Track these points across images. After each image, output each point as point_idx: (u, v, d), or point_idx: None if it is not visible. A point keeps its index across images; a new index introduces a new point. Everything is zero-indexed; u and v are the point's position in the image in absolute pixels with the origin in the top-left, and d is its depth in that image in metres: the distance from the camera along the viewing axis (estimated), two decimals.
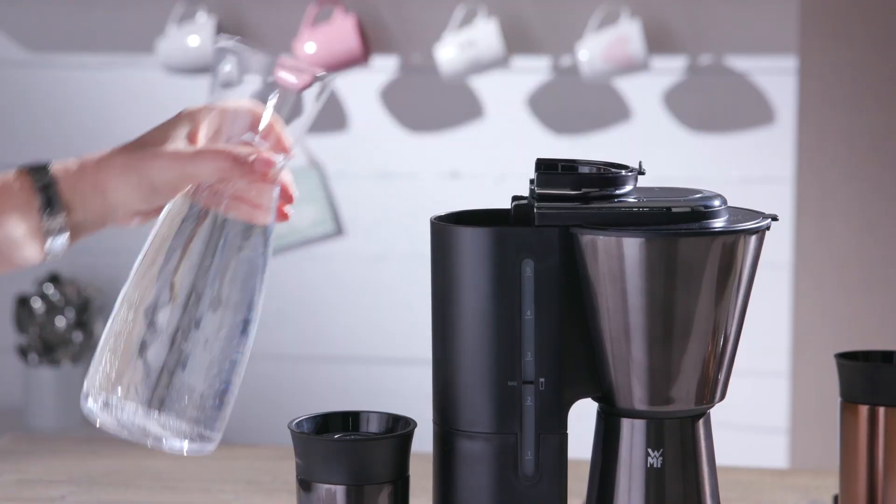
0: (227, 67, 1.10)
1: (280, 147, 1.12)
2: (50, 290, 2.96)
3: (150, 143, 1.09)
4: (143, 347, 1.09)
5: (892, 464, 1.32)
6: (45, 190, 1.07)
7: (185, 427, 1.09)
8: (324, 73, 1.11)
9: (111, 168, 1.08)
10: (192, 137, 1.10)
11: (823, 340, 2.81)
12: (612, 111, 2.90)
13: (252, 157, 1.08)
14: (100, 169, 1.09)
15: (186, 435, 1.10)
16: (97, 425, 1.10)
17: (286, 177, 1.14)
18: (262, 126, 1.11)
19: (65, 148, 2.90)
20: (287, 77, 1.11)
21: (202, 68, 2.83)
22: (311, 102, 1.11)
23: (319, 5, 2.87)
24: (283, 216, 1.15)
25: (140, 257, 1.11)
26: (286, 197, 1.14)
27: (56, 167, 1.08)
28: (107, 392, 1.09)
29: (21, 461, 1.67)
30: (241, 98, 1.11)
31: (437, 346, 1.17)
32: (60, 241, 1.08)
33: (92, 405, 1.09)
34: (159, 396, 1.08)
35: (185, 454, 1.11)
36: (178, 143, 1.09)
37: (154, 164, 1.08)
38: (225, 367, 1.10)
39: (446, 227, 1.16)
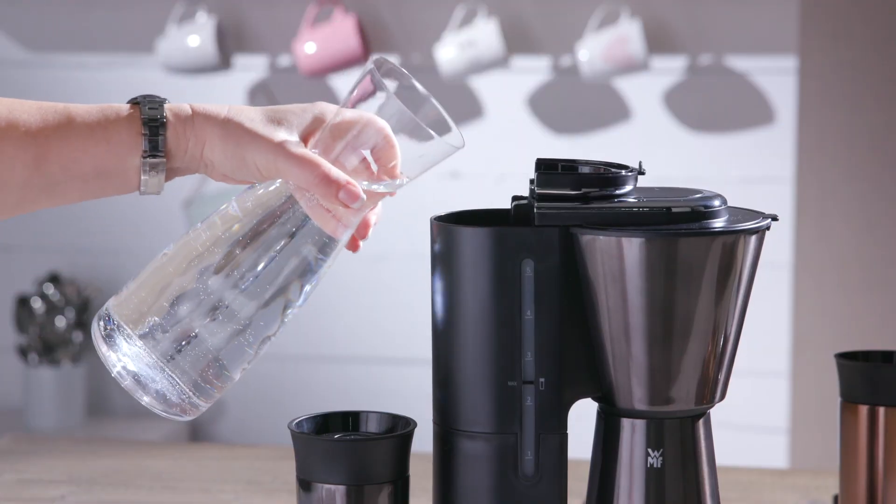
0: (390, 87, 1.10)
1: (389, 174, 1.11)
2: (50, 290, 2.96)
3: (275, 118, 1.10)
4: (181, 299, 1.08)
5: (892, 464, 1.32)
6: (152, 136, 1.08)
7: (180, 390, 1.09)
8: (459, 143, 1.11)
9: (217, 128, 1.09)
10: (305, 138, 1.10)
11: (823, 340, 2.81)
12: (612, 111, 2.90)
13: (342, 183, 1.08)
14: (207, 123, 1.09)
15: (175, 398, 1.09)
16: (94, 342, 1.10)
17: (375, 209, 1.14)
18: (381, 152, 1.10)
19: None
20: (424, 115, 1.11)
21: (202, 68, 2.83)
22: (435, 148, 1.11)
23: (319, 5, 2.87)
24: (354, 243, 1.15)
25: (222, 213, 1.10)
26: (361, 230, 1.14)
27: (168, 112, 1.09)
28: (127, 322, 1.08)
29: (21, 461, 1.67)
30: (374, 115, 1.10)
31: (437, 346, 1.17)
32: (156, 181, 1.09)
33: (101, 326, 1.09)
34: (173, 351, 1.08)
35: (158, 413, 1.10)
36: (291, 134, 1.09)
37: (254, 146, 1.08)
38: (244, 354, 1.10)
39: (446, 227, 1.16)
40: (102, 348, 1.09)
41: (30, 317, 2.95)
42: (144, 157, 1.09)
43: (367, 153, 1.10)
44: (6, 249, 3.08)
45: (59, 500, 1.55)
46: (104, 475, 1.62)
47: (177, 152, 1.09)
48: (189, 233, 1.11)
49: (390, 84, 1.10)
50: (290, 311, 1.11)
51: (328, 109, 1.12)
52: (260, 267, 1.09)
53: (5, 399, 3.12)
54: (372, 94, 1.11)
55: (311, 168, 1.08)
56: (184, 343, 1.08)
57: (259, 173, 1.09)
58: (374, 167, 1.11)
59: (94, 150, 1.08)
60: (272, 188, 1.10)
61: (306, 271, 1.11)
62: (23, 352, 2.95)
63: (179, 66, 2.84)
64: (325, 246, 1.11)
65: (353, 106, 1.11)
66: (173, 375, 1.08)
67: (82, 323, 2.97)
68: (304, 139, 1.11)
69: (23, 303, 2.96)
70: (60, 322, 2.94)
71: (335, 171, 1.08)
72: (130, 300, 1.09)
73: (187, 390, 1.09)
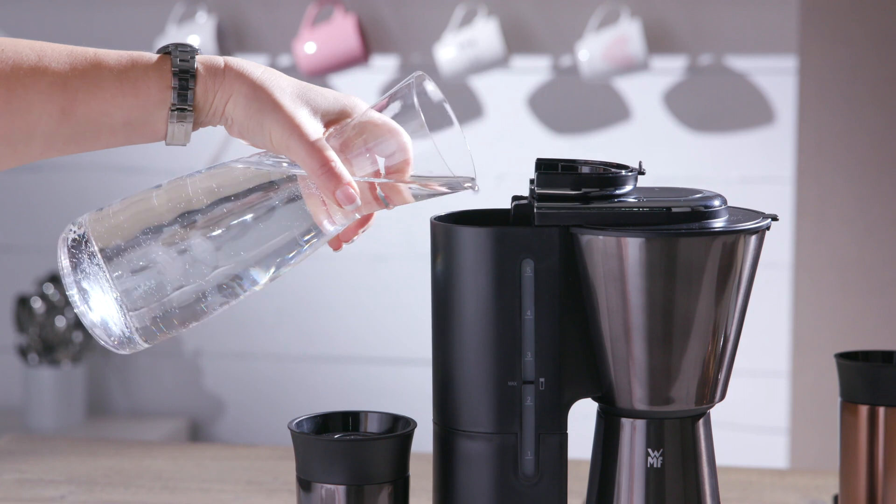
0: (425, 108, 1.09)
1: (393, 189, 1.11)
2: (50, 290, 2.96)
3: (305, 96, 1.09)
4: (154, 234, 1.08)
5: (892, 464, 1.32)
6: (182, 90, 1.08)
7: (124, 322, 1.08)
8: (471, 182, 1.11)
9: (245, 87, 1.08)
10: (327, 125, 1.10)
11: (823, 340, 2.81)
12: (612, 111, 2.90)
13: (343, 182, 1.08)
14: (237, 81, 1.08)
15: (116, 329, 1.08)
16: (58, 248, 1.09)
17: (370, 219, 1.14)
18: (394, 161, 1.10)
19: None
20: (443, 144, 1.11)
21: None
22: (447, 182, 1.10)
23: (319, 5, 2.87)
24: (338, 243, 1.15)
25: (226, 166, 1.10)
26: (347, 233, 1.14)
27: (200, 64, 1.08)
28: (96, 238, 1.07)
29: (21, 461, 1.67)
30: (401, 129, 1.10)
31: (437, 346, 1.17)
32: (183, 132, 1.09)
33: (71, 234, 1.08)
34: (135, 282, 1.07)
35: (95, 337, 1.09)
36: (315, 116, 1.09)
37: (274, 116, 1.08)
38: (196, 309, 1.09)
39: (446, 227, 1.16)
40: (63, 256, 1.08)
41: (30, 317, 2.95)
42: (172, 110, 1.08)
43: (381, 161, 1.10)
44: (6, 249, 3.08)
45: (59, 500, 1.55)
46: (104, 475, 1.62)
47: (203, 105, 1.09)
48: (188, 175, 1.10)
49: (426, 105, 1.10)
50: (251, 284, 1.11)
51: (359, 105, 1.12)
52: (238, 228, 1.09)
53: (5, 399, 3.12)
54: (405, 108, 1.10)
55: (319, 158, 1.07)
56: (142, 277, 1.07)
57: (271, 144, 1.09)
58: (382, 176, 1.11)
59: (123, 102, 1.07)
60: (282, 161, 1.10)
61: (281, 251, 1.11)
62: (23, 352, 2.95)
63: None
64: (309, 235, 1.11)
65: (382, 111, 1.10)
66: (122, 305, 1.07)
67: (82, 323, 2.97)
68: (326, 126, 1.10)
69: (23, 303, 2.96)
70: (60, 322, 2.95)
71: (340, 168, 1.08)
72: (107, 219, 1.08)
73: (131, 324, 1.08)
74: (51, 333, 2.94)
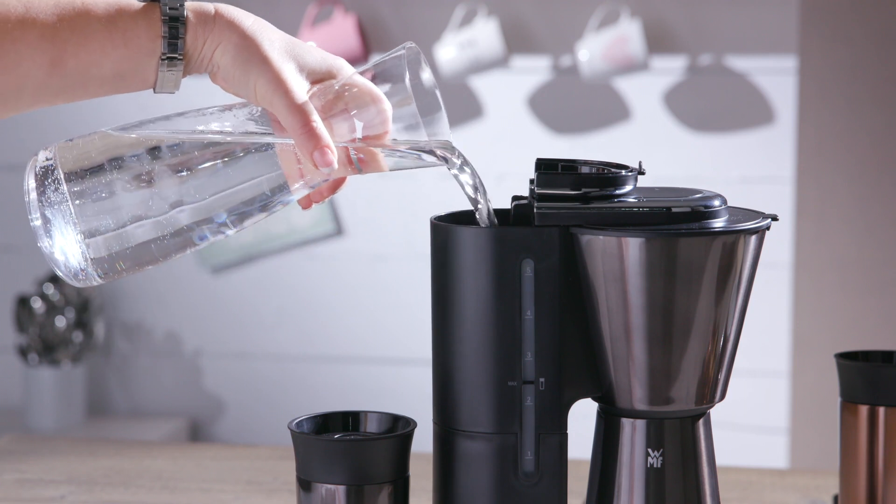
0: (411, 78, 1.09)
1: (369, 155, 1.11)
2: (50, 290, 2.96)
3: (293, 52, 1.08)
4: (121, 166, 1.07)
5: (892, 464, 1.32)
6: (172, 39, 1.07)
7: (86, 252, 1.07)
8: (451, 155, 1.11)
9: (235, 36, 1.07)
10: (312, 83, 1.10)
11: (823, 340, 2.81)
12: (612, 111, 2.90)
13: (322, 143, 1.07)
14: (228, 29, 1.07)
15: (78, 261, 1.07)
16: (26, 173, 1.08)
17: (338, 182, 1.14)
18: (371, 126, 1.10)
19: None
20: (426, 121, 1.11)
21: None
22: (421, 157, 1.11)
23: (319, 5, 2.87)
24: (307, 202, 1.14)
25: (209, 112, 1.10)
26: (319, 195, 1.14)
27: (190, 11, 1.07)
28: (62, 165, 1.07)
29: (21, 461, 1.67)
30: (383, 95, 1.10)
31: (437, 346, 1.17)
32: (174, 79, 1.08)
33: (39, 160, 1.07)
34: (96, 210, 1.07)
35: (54, 269, 1.09)
36: (301, 73, 1.09)
37: (260, 69, 1.07)
38: (161, 246, 1.09)
39: (446, 227, 1.16)
40: (31, 181, 1.08)
41: (30, 317, 2.95)
42: (163, 59, 1.07)
43: (359, 126, 1.10)
44: (6, 249, 3.08)
45: (59, 500, 1.55)
46: (104, 475, 1.62)
47: (193, 53, 1.08)
48: (164, 116, 1.10)
49: (412, 76, 1.10)
50: (212, 232, 1.10)
51: (345, 68, 1.12)
52: (206, 172, 1.08)
53: (5, 399, 3.12)
54: (393, 76, 1.10)
55: (301, 117, 1.07)
56: (103, 205, 1.07)
57: (255, 96, 1.08)
58: (358, 142, 1.11)
59: (113, 52, 1.06)
60: (261, 114, 1.10)
61: (248, 202, 1.10)
62: (23, 352, 2.95)
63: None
64: (278, 190, 1.11)
65: (369, 77, 1.11)
66: (81, 233, 1.07)
67: (82, 323, 2.97)
68: (311, 84, 1.10)
69: (23, 303, 2.96)
70: (60, 322, 2.95)
71: (320, 129, 1.07)
72: (76, 148, 1.08)
73: (88, 255, 1.07)
74: (51, 333, 2.94)
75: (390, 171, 1.13)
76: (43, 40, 1.05)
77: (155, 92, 1.09)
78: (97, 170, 1.07)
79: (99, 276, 1.09)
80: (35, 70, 1.05)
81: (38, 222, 1.08)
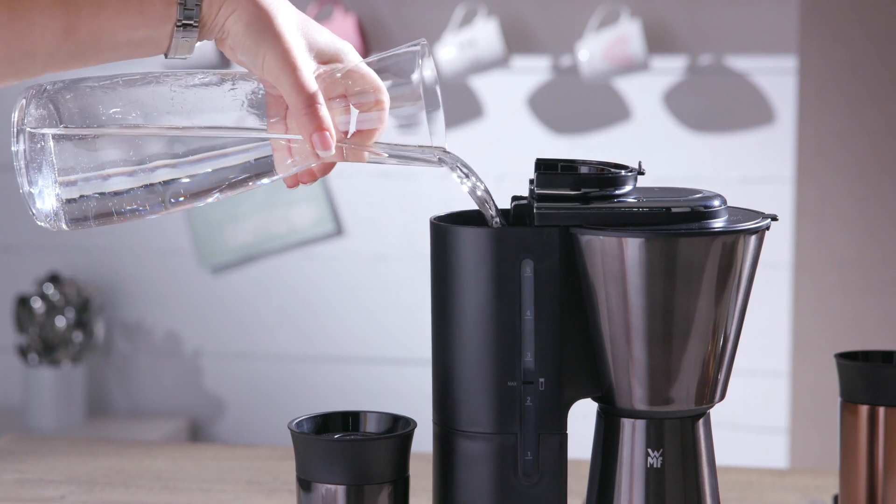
0: (416, 75, 1.09)
1: (361, 140, 1.11)
2: (50, 290, 2.96)
3: (305, 31, 1.09)
4: (109, 113, 1.07)
5: (892, 464, 1.32)
6: (188, 7, 1.06)
7: (60, 193, 1.06)
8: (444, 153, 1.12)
9: (251, 6, 1.07)
10: (320, 64, 1.10)
11: (823, 340, 2.81)
12: (612, 111, 2.91)
13: (323, 127, 1.07)
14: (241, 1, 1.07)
15: (52, 203, 1.07)
16: (17, 107, 1.07)
17: (329, 166, 1.13)
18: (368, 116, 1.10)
19: None
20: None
21: (202, 67, 2.83)
22: (412, 152, 1.11)
23: (319, 5, 2.87)
24: (293, 181, 1.14)
25: (216, 79, 1.10)
26: (307, 176, 1.14)
27: None
28: (53, 118, 1.06)
29: (21, 461, 1.67)
30: (384, 87, 1.10)
31: (437, 346, 1.17)
32: (188, 45, 1.08)
33: (34, 98, 1.07)
34: (75, 151, 1.06)
35: (27, 208, 1.08)
36: (309, 53, 1.09)
37: (271, 43, 1.07)
38: (135, 200, 1.08)
39: (446, 227, 1.16)
40: (19, 110, 1.07)
41: (30, 317, 2.95)
42: (178, 26, 1.07)
43: (355, 115, 1.10)
44: (6, 249, 3.08)
45: (59, 500, 1.55)
46: (104, 475, 1.62)
47: (207, 20, 1.08)
48: (164, 73, 1.09)
49: (419, 72, 1.10)
50: (191, 197, 1.09)
51: (352, 53, 1.12)
52: (193, 132, 1.08)
53: (5, 399, 3.12)
54: (401, 71, 1.11)
55: (305, 97, 1.07)
56: (83, 147, 1.06)
57: (262, 69, 1.08)
58: (351, 129, 1.11)
59: (127, 19, 1.06)
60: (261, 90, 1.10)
61: (231, 169, 1.10)
62: (23, 352, 2.95)
63: (179, 65, 2.84)
64: (263, 164, 1.10)
65: (375, 68, 1.11)
66: (57, 172, 1.06)
67: (82, 323, 2.97)
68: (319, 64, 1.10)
69: (23, 303, 2.96)
70: (60, 322, 2.95)
71: (323, 112, 1.08)
72: (72, 89, 1.07)
73: (62, 195, 1.07)
74: (51, 333, 2.94)
75: (385, 163, 1.13)
76: (56, 7, 1.05)
77: (167, 57, 1.09)
78: (85, 111, 1.07)
79: (68, 221, 1.08)
80: (48, 36, 1.05)
81: (20, 153, 1.07)
